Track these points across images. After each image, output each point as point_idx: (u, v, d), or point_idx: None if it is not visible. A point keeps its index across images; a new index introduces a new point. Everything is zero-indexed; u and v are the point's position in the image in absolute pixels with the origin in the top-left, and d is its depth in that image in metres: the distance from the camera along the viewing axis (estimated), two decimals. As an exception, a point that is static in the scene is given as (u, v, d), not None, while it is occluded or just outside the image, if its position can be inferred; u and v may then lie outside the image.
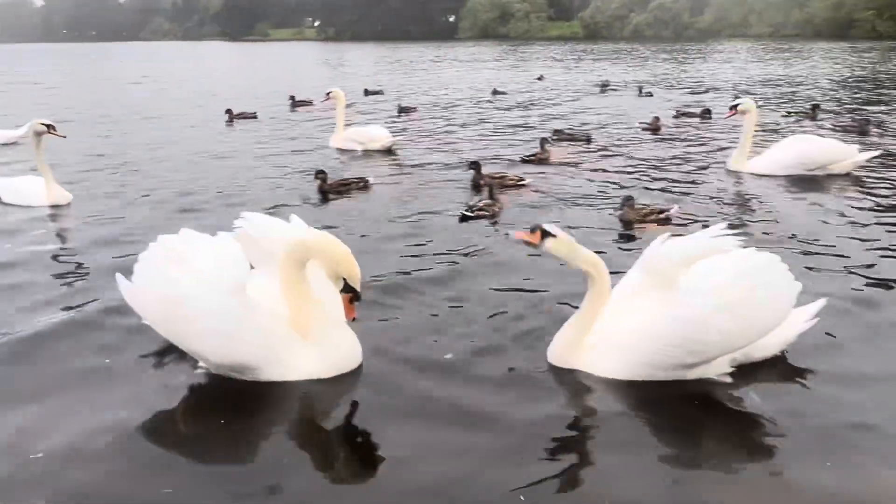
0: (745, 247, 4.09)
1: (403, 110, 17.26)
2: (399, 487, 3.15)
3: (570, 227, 6.03)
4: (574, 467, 3.29)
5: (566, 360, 4.12)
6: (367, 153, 11.69)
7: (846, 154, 9.32)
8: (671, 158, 10.80)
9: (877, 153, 9.78)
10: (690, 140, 12.55)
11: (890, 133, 12.87)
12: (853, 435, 3.47)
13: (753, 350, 3.99)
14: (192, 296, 3.85)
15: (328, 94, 12.54)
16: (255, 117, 16.33)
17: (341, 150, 12.00)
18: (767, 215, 7.53)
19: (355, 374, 4.11)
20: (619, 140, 12.57)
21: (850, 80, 24.97)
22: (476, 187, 8.83)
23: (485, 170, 9.15)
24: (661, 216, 7.07)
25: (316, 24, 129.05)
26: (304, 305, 4.03)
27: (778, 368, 4.11)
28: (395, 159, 11.29)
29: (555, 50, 56.75)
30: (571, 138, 12.34)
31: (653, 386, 3.91)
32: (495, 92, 21.65)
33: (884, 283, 5.41)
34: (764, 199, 8.27)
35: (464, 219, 7.41)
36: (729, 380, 3.97)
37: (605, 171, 9.95)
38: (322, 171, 8.81)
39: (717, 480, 3.21)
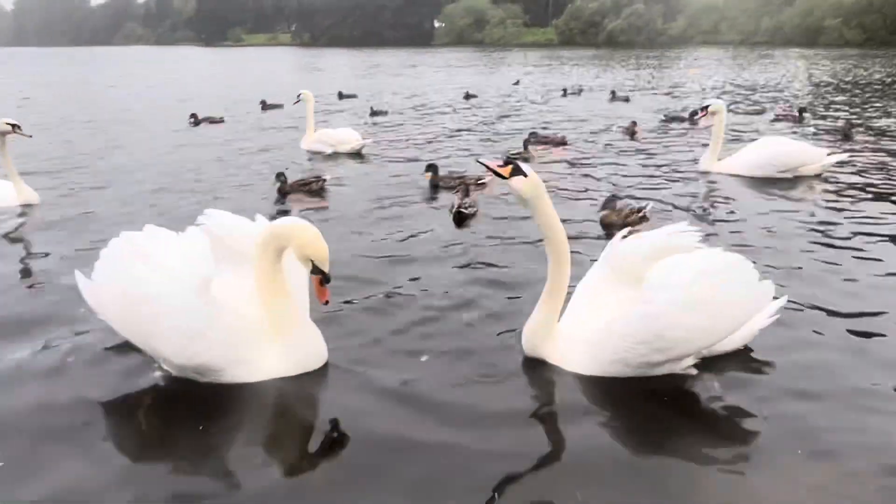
0: (704, 242, 4.11)
1: (376, 113, 17.22)
2: (367, 487, 3.09)
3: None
4: (548, 464, 3.26)
5: (538, 350, 4.10)
6: (337, 155, 11.62)
7: (815, 157, 9.41)
8: (645, 161, 10.85)
9: (845, 157, 9.89)
10: (666, 143, 12.62)
11: (872, 137, 13.01)
12: (817, 423, 3.49)
13: (718, 345, 3.99)
14: (157, 293, 3.72)
15: (298, 96, 12.48)
16: (223, 121, 16.15)
17: (311, 153, 11.92)
18: (735, 214, 7.57)
19: (321, 372, 4.03)
20: (595, 143, 12.62)
21: (828, 85, 25.33)
22: (434, 188, 8.82)
23: (461, 171, 9.13)
24: (640, 215, 7.08)
25: (292, 28, 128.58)
26: (279, 299, 3.94)
27: (741, 361, 4.13)
28: (364, 161, 11.24)
29: (530, 56, 57.06)
30: (546, 141, 12.36)
31: (621, 381, 3.89)
32: (468, 96, 21.62)
33: (847, 281, 5.45)
34: (732, 198, 8.33)
35: (460, 217, 7.30)
36: (694, 372, 3.98)
37: (581, 172, 9.96)
38: (281, 174, 8.78)
39: (687, 473, 3.19)
